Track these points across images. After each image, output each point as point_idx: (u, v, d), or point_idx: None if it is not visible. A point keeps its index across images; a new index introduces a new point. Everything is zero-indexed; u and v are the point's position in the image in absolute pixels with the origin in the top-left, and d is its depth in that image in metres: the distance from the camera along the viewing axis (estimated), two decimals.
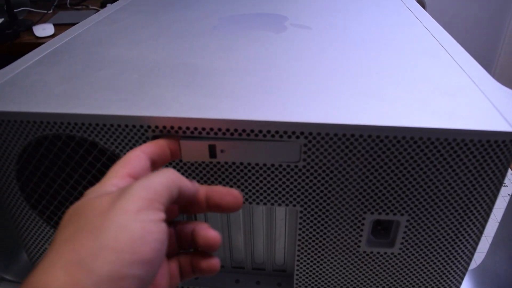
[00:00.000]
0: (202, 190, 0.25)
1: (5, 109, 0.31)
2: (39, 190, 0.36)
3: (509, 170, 0.61)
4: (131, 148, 0.31)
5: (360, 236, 0.33)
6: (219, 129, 0.29)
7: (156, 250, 0.20)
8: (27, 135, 0.32)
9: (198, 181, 0.32)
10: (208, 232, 0.24)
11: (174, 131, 0.29)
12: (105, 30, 0.48)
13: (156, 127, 0.29)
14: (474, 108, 0.30)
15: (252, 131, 0.29)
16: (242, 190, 0.32)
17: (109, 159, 0.32)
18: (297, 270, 0.36)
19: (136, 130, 0.30)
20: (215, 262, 0.25)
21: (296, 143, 0.29)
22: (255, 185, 0.32)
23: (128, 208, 0.20)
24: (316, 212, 0.32)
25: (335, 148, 0.29)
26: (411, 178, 0.30)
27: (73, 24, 1.30)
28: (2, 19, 1.36)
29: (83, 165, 0.33)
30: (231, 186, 0.32)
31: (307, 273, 0.36)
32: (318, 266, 0.36)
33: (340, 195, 0.31)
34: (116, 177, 0.23)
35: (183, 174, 0.32)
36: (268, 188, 0.32)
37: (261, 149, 0.29)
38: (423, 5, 0.67)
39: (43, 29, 1.23)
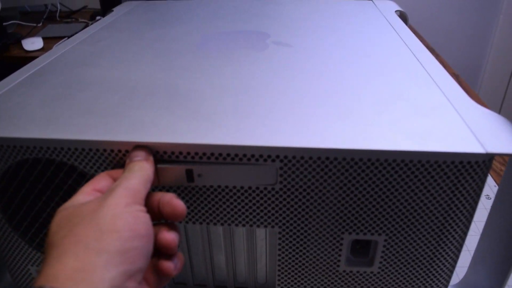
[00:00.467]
0: (156, 196, 0.27)
1: None
2: (20, 212, 0.36)
3: (494, 183, 0.62)
4: (113, 167, 0.31)
5: (339, 255, 0.34)
6: (196, 153, 0.29)
7: (148, 228, 0.24)
8: (7, 158, 0.32)
9: None
10: (173, 201, 0.26)
11: (152, 155, 0.30)
12: (88, 50, 0.48)
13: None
14: (448, 129, 0.31)
15: (228, 155, 0.29)
16: (221, 212, 0.32)
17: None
18: None
19: (115, 155, 0.30)
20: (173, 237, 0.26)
21: (272, 166, 0.29)
22: (234, 207, 0.32)
23: (117, 203, 0.23)
24: (294, 233, 0.33)
25: (310, 170, 0.29)
26: (386, 199, 0.30)
27: (62, 38, 1.30)
28: None
29: (63, 188, 0.33)
30: (209, 209, 0.32)
31: None
32: (298, 285, 0.36)
33: (317, 216, 0.32)
34: (84, 192, 0.26)
35: None
36: (247, 210, 0.32)
37: (238, 173, 0.29)
38: (404, 18, 0.68)
39: (32, 43, 1.23)
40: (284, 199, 0.31)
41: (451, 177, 0.29)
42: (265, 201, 0.31)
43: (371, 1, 0.70)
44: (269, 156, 0.29)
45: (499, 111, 1.83)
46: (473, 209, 0.31)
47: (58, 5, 1.63)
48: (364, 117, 0.32)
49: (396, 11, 0.66)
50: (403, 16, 0.67)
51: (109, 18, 0.63)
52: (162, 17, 0.61)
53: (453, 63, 1.78)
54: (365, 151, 0.28)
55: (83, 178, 0.32)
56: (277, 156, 0.29)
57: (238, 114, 0.32)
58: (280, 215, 0.32)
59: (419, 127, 0.31)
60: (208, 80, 0.39)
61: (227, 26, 0.55)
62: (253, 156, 0.29)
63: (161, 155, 0.29)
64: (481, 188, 0.31)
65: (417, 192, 0.30)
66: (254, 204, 0.31)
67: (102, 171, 0.31)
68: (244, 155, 0.29)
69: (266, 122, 0.31)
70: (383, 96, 0.35)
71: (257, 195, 0.31)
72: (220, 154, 0.29)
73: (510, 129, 0.31)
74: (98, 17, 1.48)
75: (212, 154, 0.29)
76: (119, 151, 0.30)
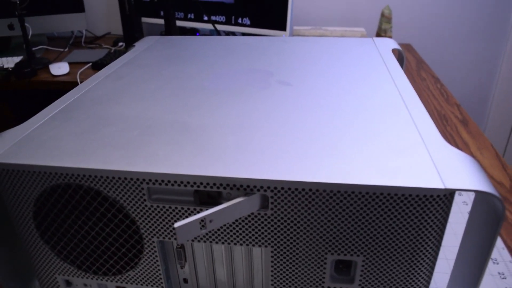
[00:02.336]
0: None
1: (26, 162, 0.38)
2: (52, 228, 0.42)
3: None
4: (130, 195, 0.37)
5: (324, 273, 0.39)
6: (201, 183, 0.35)
7: None
8: (43, 183, 0.39)
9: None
10: None
11: (164, 184, 0.35)
12: (112, 86, 0.55)
13: (150, 180, 0.36)
14: (416, 166, 0.36)
15: (227, 185, 0.35)
16: (222, 233, 0.38)
17: (111, 205, 0.39)
18: None
19: (133, 182, 0.36)
20: None
21: (265, 195, 0.35)
22: (232, 229, 0.37)
23: None
24: (285, 252, 0.38)
25: (296, 200, 0.35)
26: (362, 225, 0.35)
27: (87, 63, 1.39)
28: (21, 57, 1.46)
29: (89, 209, 0.40)
30: (214, 235, 0.38)
31: None
32: None
33: (304, 238, 0.37)
34: None
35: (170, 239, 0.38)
36: (243, 232, 0.37)
37: (239, 207, 0.35)
38: (402, 56, 0.73)
39: (59, 68, 1.32)
40: (275, 223, 0.36)
41: (417, 208, 0.34)
42: (259, 225, 0.37)
43: (371, 39, 0.76)
44: (261, 187, 0.34)
45: (507, 139, 1.85)
46: (440, 236, 0.36)
47: (84, 31, 1.73)
48: (344, 154, 0.37)
49: (393, 49, 0.72)
50: (400, 54, 0.73)
51: (131, 54, 0.70)
52: (178, 54, 0.68)
53: (460, 91, 1.82)
54: (342, 185, 0.33)
55: (106, 201, 0.38)
56: (268, 187, 0.34)
57: (238, 149, 0.38)
58: (272, 236, 0.37)
59: (392, 164, 0.36)
60: (214, 117, 0.45)
61: (237, 63, 0.62)
62: (248, 186, 0.34)
63: (172, 183, 0.35)
64: (445, 218, 0.35)
65: (388, 220, 0.35)
66: (250, 227, 0.37)
67: (123, 196, 0.37)
68: (241, 186, 0.34)
69: (261, 157, 0.37)
70: (365, 134, 0.41)
71: (252, 219, 0.36)
72: (221, 184, 0.35)
73: (472, 167, 0.36)
74: (120, 43, 1.57)
75: (214, 184, 0.35)
76: (137, 179, 0.36)
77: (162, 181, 0.36)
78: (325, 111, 0.46)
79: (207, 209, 0.34)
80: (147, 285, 0.43)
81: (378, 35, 1.56)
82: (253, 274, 0.43)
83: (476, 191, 0.33)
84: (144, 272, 0.43)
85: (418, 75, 1.29)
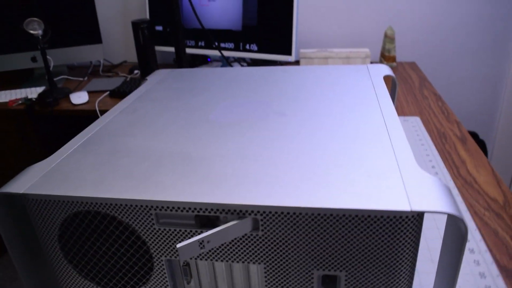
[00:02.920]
0: None
1: (52, 192, 0.44)
2: (74, 249, 0.48)
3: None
4: (141, 220, 0.43)
5: (312, 287, 0.44)
6: (200, 209, 0.40)
7: None
8: (67, 210, 0.45)
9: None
10: None
11: (169, 210, 0.41)
12: (126, 120, 0.61)
13: (157, 207, 0.41)
14: (388, 190, 0.41)
15: (223, 210, 0.40)
16: (221, 251, 0.43)
17: (124, 229, 0.44)
18: None
19: (143, 209, 0.42)
20: None
21: (256, 218, 0.40)
22: (229, 248, 0.43)
23: None
24: (276, 269, 0.43)
25: (283, 222, 0.40)
26: (342, 244, 0.40)
27: (105, 91, 1.48)
28: (44, 87, 1.55)
29: (106, 232, 0.45)
30: (214, 253, 0.43)
31: None
32: None
33: (292, 256, 0.42)
34: None
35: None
36: (239, 250, 0.43)
37: (233, 229, 0.40)
38: (394, 83, 0.78)
39: (79, 97, 1.41)
40: (266, 243, 0.42)
41: (389, 228, 0.39)
42: (252, 244, 0.42)
43: (365, 66, 0.81)
44: (252, 211, 0.40)
45: None
46: (414, 253, 0.41)
47: (101, 61, 1.83)
48: (326, 180, 0.42)
49: (385, 76, 0.77)
50: (393, 80, 0.78)
51: (144, 87, 0.77)
52: (188, 86, 0.75)
53: (465, 108, 1.85)
54: (322, 209, 0.39)
55: (121, 225, 0.44)
56: (258, 211, 0.40)
57: (233, 178, 0.44)
58: (264, 255, 0.42)
59: (367, 189, 0.41)
60: (215, 148, 0.50)
61: (239, 94, 0.68)
62: (241, 211, 0.40)
63: (176, 209, 0.41)
64: (417, 237, 0.40)
65: (365, 239, 0.40)
66: (244, 246, 0.42)
67: (135, 220, 0.43)
68: (235, 210, 0.40)
69: (253, 185, 0.42)
70: (346, 161, 0.46)
71: (246, 239, 0.42)
72: (218, 210, 0.40)
73: (441, 191, 0.41)
74: (136, 71, 1.66)
75: (212, 209, 0.40)
76: (146, 206, 0.42)
77: (168, 207, 0.41)
78: (313, 140, 0.51)
79: (206, 231, 0.40)
80: None
81: (382, 54, 1.61)
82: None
83: (442, 213, 0.38)
84: None
85: (420, 93, 1.33)
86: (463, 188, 0.81)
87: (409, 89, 1.38)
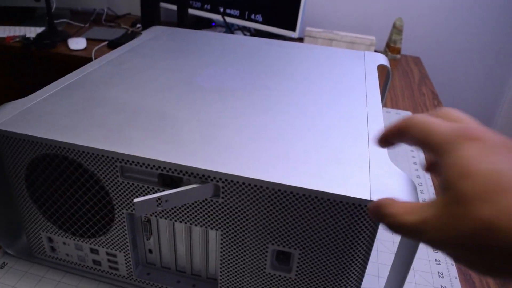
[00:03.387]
0: None
1: (22, 131, 0.44)
2: (39, 191, 0.48)
3: None
4: (106, 170, 0.43)
5: (265, 260, 0.44)
6: (164, 168, 0.41)
7: None
8: (35, 151, 0.45)
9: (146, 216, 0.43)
10: None
11: (134, 164, 0.41)
12: (111, 71, 0.61)
13: (123, 160, 0.42)
14: (352, 177, 0.41)
15: (186, 172, 0.40)
16: (181, 213, 0.44)
17: (89, 177, 0.45)
18: (220, 281, 0.48)
19: (109, 160, 0.42)
20: None
21: (217, 185, 0.40)
22: (189, 211, 0.43)
23: None
24: (232, 237, 0.44)
25: (244, 192, 0.40)
26: (300, 223, 0.41)
27: (103, 41, 1.45)
28: (43, 28, 1.53)
29: (71, 178, 0.46)
30: (174, 210, 0.44)
31: (227, 284, 0.47)
32: (235, 279, 0.47)
33: (249, 227, 0.43)
34: None
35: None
36: (198, 214, 0.43)
37: (194, 192, 0.40)
38: (388, 74, 0.78)
39: (76, 43, 1.39)
40: (225, 211, 0.42)
41: (347, 214, 0.39)
42: (211, 210, 0.42)
43: (362, 53, 0.80)
44: (214, 178, 0.40)
45: None
46: (370, 242, 0.41)
47: (105, 9, 1.80)
48: (295, 159, 0.43)
49: (380, 65, 0.76)
50: (388, 71, 0.77)
51: (137, 41, 0.76)
52: (180, 47, 0.74)
53: (464, 109, 1.85)
54: (282, 185, 0.39)
55: (86, 173, 0.45)
56: (220, 178, 0.40)
57: (202, 142, 0.44)
58: (222, 222, 0.43)
59: (332, 173, 0.41)
60: (191, 111, 0.50)
61: (230, 63, 0.67)
62: (203, 176, 0.40)
63: (140, 165, 0.41)
64: (374, 228, 0.40)
65: (322, 221, 0.40)
66: (204, 211, 0.43)
67: (100, 170, 0.43)
68: (197, 174, 0.40)
69: (220, 152, 0.42)
70: (319, 143, 0.46)
71: (206, 204, 0.42)
72: (181, 171, 0.40)
73: (405, 186, 0.41)
74: (138, 25, 1.63)
75: (175, 170, 0.40)
76: (113, 158, 0.42)
77: (133, 162, 0.42)
78: (291, 117, 0.51)
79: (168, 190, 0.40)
80: (116, 250, 0.50)
81: (388, 45, 1.59)
82: (208, 253, 0.49)
83: None
84: (114, 239, 0.49)
85: (418, 89, 1.33)
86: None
87: (408, 83, 1.37)
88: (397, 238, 0.67)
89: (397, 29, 1.54)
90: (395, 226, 0.30)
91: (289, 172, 0.40)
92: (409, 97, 1.26)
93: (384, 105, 1.19)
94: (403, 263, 0.42)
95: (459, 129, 0.28)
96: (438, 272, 0.61)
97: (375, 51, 1.67)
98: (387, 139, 0.35)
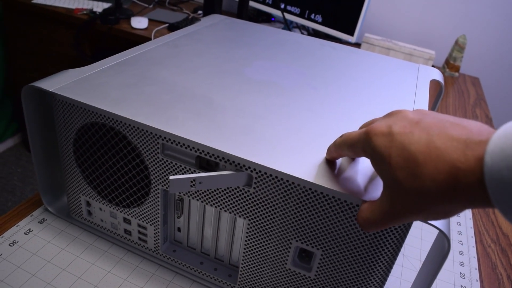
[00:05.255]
0: None
1: (76, 98, 0.47)
2: (84, 156, 0.51)
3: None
4: (148, 145, 0.45)
5: (287, 255, 0.45)
6: (203, 151, 0.42)
7: None
8: (86, 118, 0.48)
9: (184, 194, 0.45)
10: None
11: (175, 144, 0.43)
12: (166, 52, 0.63)
13: (165, 137, 0.43)
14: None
15: (222, 158, 0.41)
16: (213, 197, 0.45)
17: (132, 150, 0.47)
18: (241, 269, 0.49)
19: (152, 136, 0.44)
20: None
21: (251, 174, 0.41)
22: (221, 196, 0.44)
23: None
24: (258, 228, 0.45)
25: (275, 186, 0.41)
26: (325, 223, 0.41)
27: (164, 23, 1.50)
28: (110, 5, 1.59)
29: (115, 148, 0.48)
30: (207, 192, 0.45)
31: (247, 273, 0.48)
32: (255, 269, 0.48)
33: (275, 220, 0.43)
34: None
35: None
36: (229, 201, 0.44)
37: (227, 178, 0.41)
38: (440, 90, 0.75)
39: (139, 22, 1.44)
40: (255, 201, 0.43)
41: None
42: (242, 199, 0.43)
43: (417, 65, 0.78)
44: (249, 167, 0.41)
45: None
46: (393, 256, 0.41)
47: None
48: (330, 160, 0.43)
49: (433, 80, 0.74)
50: (441, 87, 0.75)
51: (194, 27, 0.78)
52: (235, 37, 0.75)
53: None
54: (314, 184, 0.39)
55: (129, 145, 0.47)
56: (255, 169, 0.41)
57: (243, 132, 0.45)
58: (251, 211, 0.44)
59: (364, 181, 0.41)
60: (237, 101, 0.51)
61: (281, 59, 0.68)
62: (239, 164, 0.41)
63: (180, 145, 0.43)
64: (400, 240, 0.40)
65: (349, 226, 0.40)
66: (235, 198, 0.44)
67: (143, 144, 0.45)
68: (233, 162, 0.41)
69: (258, 143, 0.43)
70: None
71: (238, 192, 0.43)
72: (218, 156, 0.41)
73: None
74: (199, 12, 1.67)
75: (213, 154, 0.42)
76: (155, 134, 0.44)
77: (174, 141, 0.43)
78: (333, 119, 0.51)
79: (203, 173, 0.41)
80: (147, 222, 0.52)
81: (447, 61, 1.54)
82: (233, 240, 0.50)
83: (431, 225, 0.38)
84: (146, 212, 0.51)
85: (472, 111, 1.28)
86: (478, 214, 0.79)
87: (462, 103, 1.32)
88: (423, 256, 0.66)
89: (459, 46, 1.49)
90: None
91: (322, 172, 0.41)
92: (461, 117, 1.22)
93: None
94: (426, 279, 0.41)
95: (365, 130, 0.34)
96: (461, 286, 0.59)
97: (433, 66, 1.62)
98: (333, 156, 0.41)
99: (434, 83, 1.43)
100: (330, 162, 0.42)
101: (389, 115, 0.35)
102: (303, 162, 0.42)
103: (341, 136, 0.39)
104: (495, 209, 0.28)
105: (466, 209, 0.28)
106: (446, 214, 0.30)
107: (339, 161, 0.43)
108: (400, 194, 0.31)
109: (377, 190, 0.40)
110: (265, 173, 0.41)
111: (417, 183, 0.29)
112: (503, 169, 0.24)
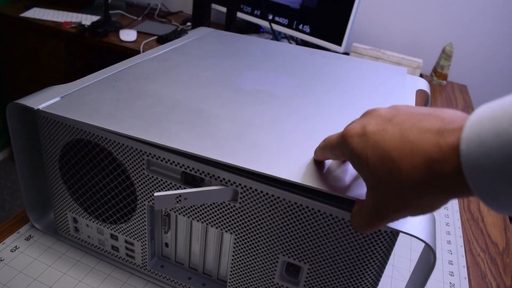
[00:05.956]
0: None
1: (61, 114, 0.46)
2: (70, 173, 0.51)
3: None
4: (133, 162, 0.45)
5: (275, 270, 0.45)
6: (188, 167, 0.42)
7: None
8: (71, 135, 0.47)
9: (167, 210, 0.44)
10: None
11: (160, 160, 0.43)
12: (155, 66, 0.63)
13: (150, 154, 0.43)
14: None
15: (208, 174, 0.41)
16: (199, 212, 0.45)
17: (118, 166, 0.47)
18: (229, 283, 0.48)
19: (137, 152, 0.44)
20: None
21: (236, 190, 0.41)
22: (208, 211, 0.44)
23: None
24: (245, 243, 0.44)
25: (260, 201, 0.41)
26: (312, 237, 0.41)
27: (153, 35, 1.50)
28: (99, 18, 1.60)
29: (101, 164, 0.48)
30: (193, 208, 0.45)
31: (235, 287, 0.48)
32: (243, 284, 0.47)
33: (262, 235, 0.43)
34: None
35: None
36: (216, 216, 0.44)
37: (212, 193, 0.41)
38: (427, 101, 0.76)
39: (127, 35, 1.44)
40: (240, 215, 0.43)
41: (361, 238, 0.39)
42: (228, 214, 0.43)
43: (405, 73, 0.79)
44: (234, 182, 0.41)
45: None
46: (380, 268, 0.41)
47: (159, 5, 1.85)
48: (318, 173, 0.43)
49: (419, 90, 0.74)
50: (428, 97, 0.76)
51: (182, 40, 0.78)
52: (223, 48, 0.75)
53: None
54: (298, 198, 0.39)
55: (115, 161, 0.46)
56: (240, 184, 0.41)
57: (229, 145, 0.45)
58: (237, 226, 0.44)
59: (353, 192, 0.41)
60: (227, 110, 0.51)
61: (270, 68, 0.68)
62: (224, 179, 0.41)
63: (165, 161, 0.43)
64: (388, 251, 0.40)
65: (336, 239, 0.40)
66: (221, 213, 0.44)
67: (128, 161, 0.45)
68: (219, 177, 0.41)
69: (244, 157, 0.43)
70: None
71: (224, 207, 0.43)
72: (203, 172, 0.41)
73: (425, 218, 0.40)
74: (188, 24, 1.67)
75: (198, 170, 0.42)
76: (141, 150, 0.44)
77: (159, 157, 0.43)
78: (323, 125, 0.51)
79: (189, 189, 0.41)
80: (134, 238, 0.51)
81: (435, 69, 1.56)
82: (221, 254, 0.50)
83: (415, 237, 0.38)
84: (133, 227, 0.50)
85: None
86: (467, 223, 0.80)
87: None
88: (412, 266, 0.66)
89: (446, 55, 1.51)
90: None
91: (308, 184, 0.41)
92: None
93: None
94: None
95: (341, 133, 0.35)
96: None
97: (421, 74, 1.64)
98: (321, 160, 0.42)
99: (421, 93, 1.44)
100: (317, 169, 0.42)
101: (364, 114, 0.35)
102: (289, 174, 0.42)
103: (324, 140, 0.39)
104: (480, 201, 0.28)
105: (450, 199, 0.28)
106: (431, 207, 0.29)
107: (326, 168, 0.43)
108: (382, 193, 0.30)
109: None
110: (250, 188, 0.41)
111: (395, 180, 0.29)
112: (480, 157, 0.24)
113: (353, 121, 0.37)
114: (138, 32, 1.53)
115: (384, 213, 0.31)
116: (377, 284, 0.43)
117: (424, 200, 0.28)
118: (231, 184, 0.41)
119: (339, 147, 0.35)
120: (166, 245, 0.53)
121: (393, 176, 0.29)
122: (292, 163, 0.43)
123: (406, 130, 0.29)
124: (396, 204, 0.30)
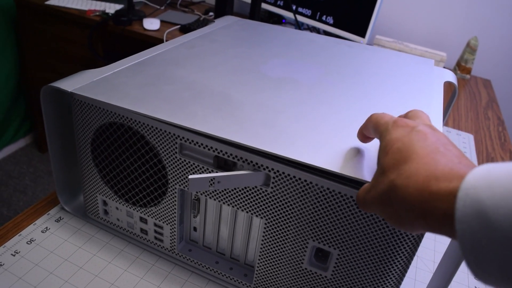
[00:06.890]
0: None
1: (95, 97, 0.47)
2: (102, 156, 0.52)
3: None
4: (166, 145, 0.46)
5: (304, 255, 0.45)
6: (221, 151, 0.42)
7: None
8: (104, 118, 0.48)
9: (202, 194, 0.45)
10: None
11: (193, 144, 0.43)
12: (182, 52, 0.63)
13: (183, 137, 0.44)
14: None
15: (240, 158, 0.42)
16: (230, 196, 0.45)
17: (150, 149, 0.47)
18: (257, 268, 0.49)
19: (170, 136, 0.44)
20: None
21: (269, 174, 0.41)
22: (239, 195, 0.45)
23: None
24: (275, 227, 0.45)
25: (293, 186, 0.41)
26: (342, 223, 0.41)
27: (176, 24, 1.51)
28: (122, 6, 1.61)
29: (133, 148, 0.49)
30: (224, 192, 0.45)
31: (263, 272, 0.49)
32: (271, 269, 0.48)
33: (292, 220, 0.43)
34: None
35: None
36: (247, 200, 0.45)
37: (245, 178, 0.41)
38: (454, 91, 0.75)
39: (151, 23, 1.45)
40: (272, 201, 0.43)
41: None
42: (260, 198, 0.44)
43: (432, 64, 0.78)
44: (267, 167, 0.41)
45: None
46: (412, 251, 0.41)
47: None
48: (348, 159, 0.43)
49: (447, 81, 0.73)
50: (454, 89, 0.75)
51: (209, 28, 0.79)
52: (250, 37, 0.75)
53: None
54: (330, 183, 0.39)
55: (147, 145, 0.47)
56: (273, 169, 0.41)
57: (260, 130, 0.45)
58: (268, 211, 0.44)
59: None
60: (255, 97, 0.52)
61: (296, 57, 0.68)
62: (257, 164, 0.41)
63: (198, 146, 0.43)
64: (417, 240, 0.40)
65: (366, 226, 0.40)
66: (252, 198, 0.44)
67: (161, 144, 0.46)
68: (251, 161, 0.41)
69: (277, 142, 0.43)
70: (375, 147, 0.46)
71: (255, 192, 0.43)
72: (236, 156, 0.42)
73: None
74: (210, 13, 1.68)
75: (231, 154, 0.42)
76: (174, 134, 0.44)
77: (192, 141, 0.43)
78: (351, 114, 0.51)
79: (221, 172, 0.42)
80: (163, 222, 0.52)
81: (458, 63, 1.53)
82: (249, 239, 0.50)
83: None
84: (163, 211, 0.51)
85: (484, 113, 1.27)
86: None
87: (473, 105, 1.31)
88: (436, 257, 0.66)
89: (470, 48, 1.48)
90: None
91: (341, 170, 0.41)
92: (473, 119, 1.21)
93: (446, 123, 1.15)
94: (445, 275, 0.41)
95: (394, 119, 0.35)
96: None
97: (444, 68, 1.61)
98: (361, 133, 0.42)
99: (447, 85, 1.42)
100: (348, 156, 0.42)
101: (414, 116, 0.37)
102: (322, 160, 0.42)
103: (370, 117, 0.39)
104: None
105: (425, 231, 0.28)
106: (411, 226, 0.29)
107: (359, 156, 0.43)
108: (378, 181, 0.32)
109: None
110: (283, 173, 0.41)
111: (393, 176, 0.30)
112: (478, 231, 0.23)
113: (406, 115, 0.39)
114: (161, 21, 1.54)
115: (372, 200, 0.33)
116: (404, 274, 0.43)
117: (404, 211, 0.29)
118: (264, 169, 0.41)
119: (384, 127, 0.35)
120: (195, 229, 0.54)
121: (393, 171, 0.30)
122: (320, 158, 0.43)
123: (440, 148, 0.30)
124: (382, 197, 0.31)
